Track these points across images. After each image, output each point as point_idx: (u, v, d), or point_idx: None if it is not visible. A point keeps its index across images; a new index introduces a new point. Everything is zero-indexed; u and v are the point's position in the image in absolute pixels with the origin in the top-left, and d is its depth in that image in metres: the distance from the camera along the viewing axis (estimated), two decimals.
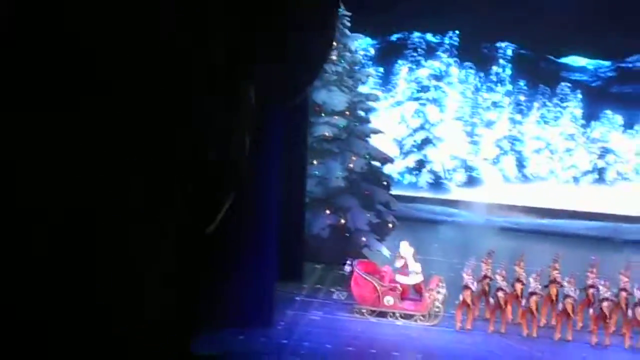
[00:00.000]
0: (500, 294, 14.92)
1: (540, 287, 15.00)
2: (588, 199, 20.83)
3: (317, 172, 17.66)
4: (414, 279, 15.33)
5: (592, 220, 20.40)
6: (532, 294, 14.85)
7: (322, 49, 14.58)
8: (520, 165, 21.53)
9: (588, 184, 21.19)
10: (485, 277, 15.35)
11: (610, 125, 21.47)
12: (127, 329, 10.67)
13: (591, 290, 15.27)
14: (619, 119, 21.40)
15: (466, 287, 15.01)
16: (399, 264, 15.27)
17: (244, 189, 13.82)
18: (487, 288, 15.29)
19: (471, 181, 21.41)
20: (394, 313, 15.17)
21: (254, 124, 13.75)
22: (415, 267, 15.32)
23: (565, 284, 15.09)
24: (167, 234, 12.44)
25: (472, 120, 21.77)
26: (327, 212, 17.36)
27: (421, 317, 15.13)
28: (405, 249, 15.39)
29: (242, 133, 13.95)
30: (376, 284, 15.24)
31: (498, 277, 15.12)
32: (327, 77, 18.10)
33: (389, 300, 15.22)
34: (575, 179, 21.27)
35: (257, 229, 14.26)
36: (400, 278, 15.28)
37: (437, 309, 15.15)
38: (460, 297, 14.99)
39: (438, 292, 15.24)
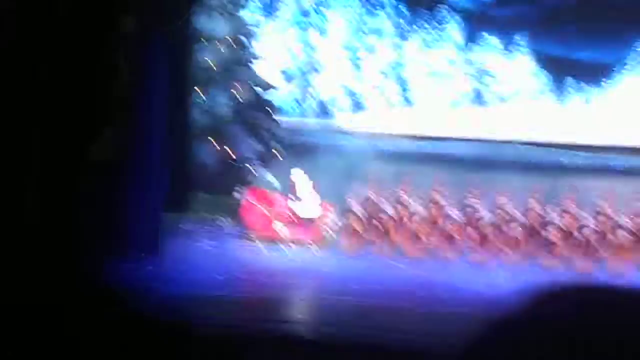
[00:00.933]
0: (385, 217, 15.41)
1: (424, 209, 15.55)
2: (468, 121, 21.37)
3: (201, 101, 17.57)
4: (309, 211, 15.62)
5: (470, 142, 20.99)
6: (417, 215, 15.40)
7: None
8: (403, 89, 21.83)
9: (467, 107, 21.72)
10: (370, 201, 15.80)
11: (489, 48, 21.99)
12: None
13: (470, 210, 15.94)
14: (496, 41, 21.96)
15: (352, 211, 15.45)
16: (294, 192, 15.59)
17: (128, 118, 13.82)
18: (372, 212, 15.75)
19: (355, 107, 21.64)
20: (285, 240, 15.51)
21: (133, 53, 13.70)
22: (308, 196, 15.63)
23: (446, 204, 15.68)
24: (54, 162, 12.46)
25: (355, 46, 21.90)
26: (213, 141, 17.37)
27: (312, 244, 15.51)
28: (297, 176, 15.69)
29: (120, 61, 13.91)
30: (267, 212, 15.47)
31: (383, 201, 15.60)
32: (207, 1, 17.89)
33: (279, 227, 15.47)
34: (456, 103, 21.77)
35: (143, 158, 14.28)
36: (294, 207, 15.58)
37: (328, 235, 15.55)
38: (346, 222, 15.43)
39: (329, 219, 15.60)
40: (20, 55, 12.21)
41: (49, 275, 12.11)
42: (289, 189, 15.79)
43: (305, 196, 15.68)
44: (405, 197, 15.85)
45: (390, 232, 15.52)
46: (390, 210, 15.58)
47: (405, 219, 15.70)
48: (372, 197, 15.88)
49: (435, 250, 15.59)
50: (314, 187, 15.96)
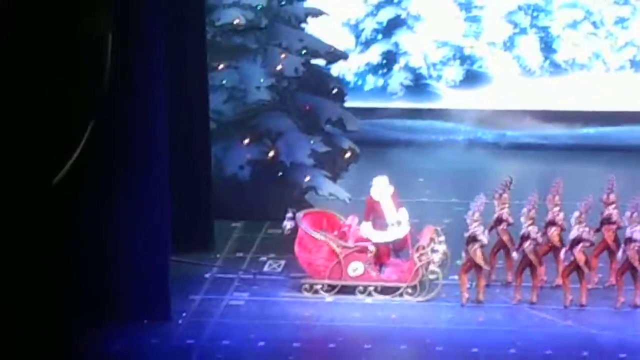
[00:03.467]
0: (527, 244, 15.24)
1: (588, 230, 15.33)
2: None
3: (225, 81, 17.72)
4: (395, 232, 15.60)
5: None
6: (576, 241, 15.18)
7: None
8: (548, 48, 21.66)
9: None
10: (501, 221, 15.66)
11: None
12: None
13: None
14: None
15: (473, 238, 15.32)
16: (376, 211, 15.59)
17: (108, 115, 13.96)
18: (505, 237, 15.60)
19: (471, 78, 21.55)
20: (365, 288, 15.44)
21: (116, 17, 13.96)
22: (397, 215, 15.61)
23: (626, 222, 15.41)
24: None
25: None
26: (246, 141, 17.50)
27: (409, 290, 15.42)
28: (381, 188, 15.66)
29: (100, 28, 14.05)
30: (335, 245, 15.49)
31: (523, 220, 15.43)
32: None
33: (356, 268, 15.48)
34: (636, 64, 21.53)
35: (134, 176, 14.39)
36: (373, 233, 15.54)
37: (432, 276, 15.45)
38: (465, 255, 15.30)
39: (433, 251, 15.54)
40: None
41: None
42: (368, 208, 15.70)
43: (395, 218, 15.60)
44: (558, 212, 15.58)
45: (537, 267, 15.27)
46: (537, 234, 15.35)
47: (560, 246, 15.44)
48: (503, 215, 15.67)
49: (612, 291, 15.29)
50: (410, 205, 15.88)
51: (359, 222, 15.94)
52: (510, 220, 15.65)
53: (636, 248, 15.00)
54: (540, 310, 15.05)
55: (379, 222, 15.68)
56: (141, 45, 14.32)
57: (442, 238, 15.75)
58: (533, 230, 15.26)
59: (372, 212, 15.75)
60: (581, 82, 21.45)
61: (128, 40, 14.11)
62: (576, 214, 15.42)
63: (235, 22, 17.87)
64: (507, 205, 15.79)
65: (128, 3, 14.11)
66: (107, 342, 13.64)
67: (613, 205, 15.80)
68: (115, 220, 14.18)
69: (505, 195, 15.91)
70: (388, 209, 15.70)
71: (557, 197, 15.85)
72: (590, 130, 20.80)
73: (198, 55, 16.80)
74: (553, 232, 15.56)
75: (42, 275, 13.48)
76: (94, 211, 14.06)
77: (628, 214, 15.37)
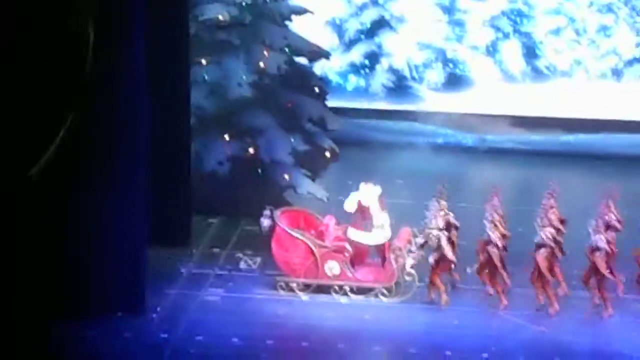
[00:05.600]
0: (492, 249, 15.26)
1: (550, 233, 15.29)
2: (635, 100, 21.18)
3: (206, 77, 17.74)
4: (378, 236, 15.60)
5: None
6: (539, 246, 15.21)
7: None
8: (530, 54, 21.75)
9: (635, 79, 21.54)
10: (450, 225, 15.58)
11: None
12: None
13: None
14: None
15: (449, 240, 15.35)
16: (351, 209, 15.65)
17: (87, 106, 13.93)
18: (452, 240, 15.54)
19: (453, 82, 21.65)
20: (341, 287, 15.47)
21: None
22: (380, 218, 15.62)
23: (591, 230, 15.41)
24: None
25: None
26: (226, 137, 17.49)
27: (384, 291, 15.44)
28: (368, 191, 15.67)
29: (82, 20, 14.01)
30: (312, 244, 15.52)
31: (494, 225, 15.43)
32: None
33: (333, 267, 15.52)
34: (616, 72, 21.60)
35: (115, 168, 14.32)
36: (355, 234, 15.55)
37: (408, 278, 15.46)
38: (432, 259, 15.31)
39: (409, 252, 15.56)
40: None
41: None
42: (349, 206, 15.68)
43: (379, 221, 15.61)
44: (552, 216, 15.53)
45: (504, 271, 15.28)
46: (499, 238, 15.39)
47: (550, 248, 15.33)
48: (495, 218, 15.53)
49: (584, 297, 15.30)
50: (388, 206, 15.86)
51: (337, 222, 15.98)
52: (457, 224, 15.60)
53: (601, 255, 15.04)
54: (512, 314, 15.04)
55: (364, 224, 15.76)
56: (123, 39, 14.28)
57: (419, 240, 15.77)
58: (496, 234, 15.26)
59: (359, 216, 15.77)
60: (562, 89, 21.55)
61: (109, 34, 14.07)
62: (593, 223, 15.35)
63: (219, 18, 17.87)
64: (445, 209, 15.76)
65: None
66: (80, 334, 13.61)
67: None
68: (92, 212, 14.13)
69: (443, 197, 15.82)
70: (376, 212, 15.71)
71: (551, 201, 15.81)
72: (570, 138, 20.90)
73: (180, 50, 16.76)
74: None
75: (14, 268, 13.42)
76: (71, 204, 14.01)
77: (593, 222, 15.39)
